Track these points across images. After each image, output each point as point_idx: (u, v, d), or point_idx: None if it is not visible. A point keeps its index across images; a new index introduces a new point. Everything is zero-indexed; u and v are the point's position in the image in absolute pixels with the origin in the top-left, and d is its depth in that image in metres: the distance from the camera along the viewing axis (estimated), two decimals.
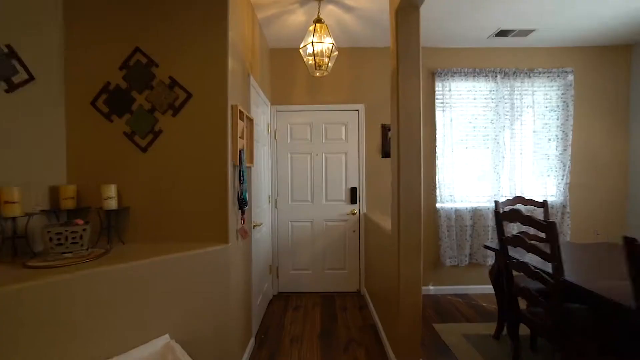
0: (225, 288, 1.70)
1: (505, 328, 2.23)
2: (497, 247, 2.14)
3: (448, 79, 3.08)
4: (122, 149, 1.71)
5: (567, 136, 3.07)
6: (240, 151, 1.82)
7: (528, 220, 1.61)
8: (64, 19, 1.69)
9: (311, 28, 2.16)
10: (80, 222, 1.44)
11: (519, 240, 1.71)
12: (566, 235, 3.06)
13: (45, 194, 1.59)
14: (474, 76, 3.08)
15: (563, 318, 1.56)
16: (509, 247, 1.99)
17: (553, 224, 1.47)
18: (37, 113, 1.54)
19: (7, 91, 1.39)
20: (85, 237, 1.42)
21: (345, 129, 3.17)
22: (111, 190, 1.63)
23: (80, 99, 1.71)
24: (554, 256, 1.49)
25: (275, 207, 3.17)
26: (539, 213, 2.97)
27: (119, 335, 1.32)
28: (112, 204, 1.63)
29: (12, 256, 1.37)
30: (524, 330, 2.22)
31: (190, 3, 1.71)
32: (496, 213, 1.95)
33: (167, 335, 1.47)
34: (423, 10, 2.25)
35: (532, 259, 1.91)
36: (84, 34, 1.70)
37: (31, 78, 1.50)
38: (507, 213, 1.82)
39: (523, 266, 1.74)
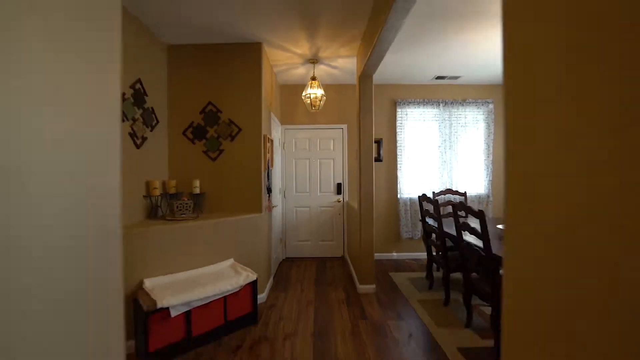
0: (259, 239, 3.00)
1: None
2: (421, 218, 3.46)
3: (406, 106, 4.38)
4: (201, 159, 3.01)
5: (489, 147, 4.37)
6: (267, 160, 3.13)
7: (427, 199, 2.92)
8: (168, 86, 2.99)
9: (309, 83, 3.45)
10: (186, 198, 2.75)
11: (427, 212, 3.02)
12: (489, 216, 4.36)
13: (160, 184, 2.88)
14: (424, 104, 4.38)
15: (446, 256, 2.86)
16: (427, 218, 3.30)
17: (436, 201, 2.77)
18: (157, 140, 2.84)
19: (150, 130, 2.69)
20: (190, 207, 2.73)
21: (333, 142, 4.47)
22: (197, 183, 2.93)
23: (176, 131, 3.01)
24: (437, 217, 2.79)
25: (284, 196, 4.47)
26: (461, 199, 4.27)
27: (209, 255, 2.63)
28: (197, 190, 2.94)
29: (155, 217, 2.69)
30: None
31: (239, 76, 3.00)
32: (418, 197, 3.26)
33: (232, 259, 2.77)
34: (388, 59, 3.49)
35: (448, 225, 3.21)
36: (179, 94, 3.00)
37: (157, 122, 2.80)
38: (421, 197, 3.13)
39: (431, 227, 3.05)
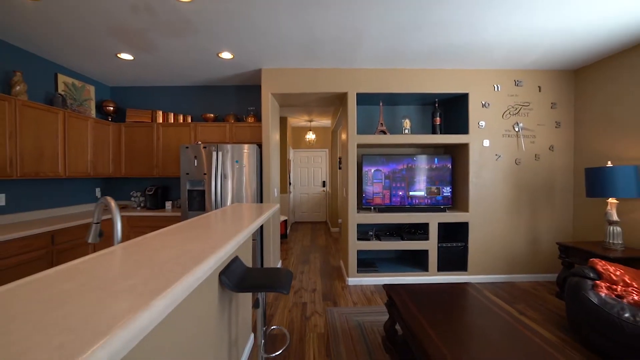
0: (285, 203, 6.66)
1: None
2: None
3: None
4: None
5: None
6: (288, 169, 6.80)
7: None
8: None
9: (308, 132, 7.12)
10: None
11: None
12: None
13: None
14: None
15: None
16: None
17: None
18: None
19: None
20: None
21: (321, 158, 8.14)
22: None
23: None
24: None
25: (294, 188, 8.13)
26: None
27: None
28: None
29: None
30: None
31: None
32: None
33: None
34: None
35: None
36: None
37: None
38: None
39: None
